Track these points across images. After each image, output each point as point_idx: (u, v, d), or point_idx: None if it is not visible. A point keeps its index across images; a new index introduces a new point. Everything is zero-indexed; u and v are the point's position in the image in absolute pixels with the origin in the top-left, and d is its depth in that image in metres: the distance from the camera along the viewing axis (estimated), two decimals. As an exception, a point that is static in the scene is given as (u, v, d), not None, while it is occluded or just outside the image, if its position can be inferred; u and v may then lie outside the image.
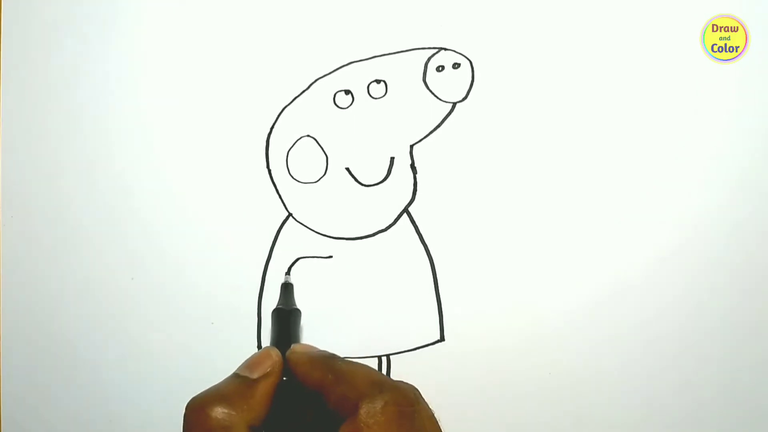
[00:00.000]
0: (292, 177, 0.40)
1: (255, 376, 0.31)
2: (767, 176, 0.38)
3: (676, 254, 0.38)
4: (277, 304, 0.37)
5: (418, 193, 0.40)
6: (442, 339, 0.39)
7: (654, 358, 0.38)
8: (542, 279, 0.39)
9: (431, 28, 0.40)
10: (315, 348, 0.34)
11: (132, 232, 0.41)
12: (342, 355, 0.39)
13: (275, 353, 0.32)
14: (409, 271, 0.39)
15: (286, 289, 0.38)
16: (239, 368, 0.32)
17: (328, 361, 0.31)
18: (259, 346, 0.40)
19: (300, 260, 0.40)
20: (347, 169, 0.40)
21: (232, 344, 0.40)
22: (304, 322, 0.39)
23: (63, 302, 0.41)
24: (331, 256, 0.40)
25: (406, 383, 0.30)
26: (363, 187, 0.40)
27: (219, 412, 0.29)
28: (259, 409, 0.30)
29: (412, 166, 0.40)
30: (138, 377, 0.40)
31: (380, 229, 0.40)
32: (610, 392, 0.38)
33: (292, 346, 0.33)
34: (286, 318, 0.37)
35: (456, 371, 0.39)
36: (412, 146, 0.40)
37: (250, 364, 0.32)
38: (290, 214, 0.40)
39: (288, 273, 0.40)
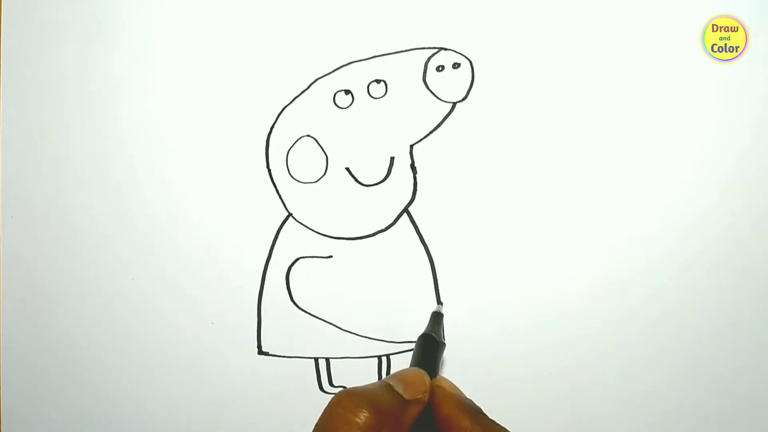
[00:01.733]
0: (292, 177, 0.40)
1: (408, 396, 0.30)
2: (767, 176, 0.38)
3: (675, 254, 0.38)
4: (427, 330, 0.36)
5: (418, 193, 0.40)
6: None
7: (654, 357, 0.38)
8: (542, 279, 0.39)
9: (431, 28, 0.40)
10: (460, 390, 0.33)
11: (132, 232, 0.41)
12: (341, 356, 0.39)
13: (429, 381, 0.31)
14: (409, 271, 0.39)
15: (438, 318, 0.37)
16: (393, 380, 0.31)
17: (477, 414, 0.30)
18: (259, 346, 0.40)
19: (300, 260, 0.40)
20: (347, 168, 0.40)
21: (232, 344, 0.40)
22: (307, 323, 0.39)
23: (63, 302, 0.41)
24: (331, 256, 0.40)
25: None
26: (363, 186, 0.40)
27: (368, 417, 0.28)
28: None
29: (412, 166, 0.40)
30: (138, 377, 0.40)
31: (380, 229, 0.40)
32: (609, 392, 0.38)
33: (439, 379, 0.32)
34: (434, 347, 0.35)
35: (456, 371, 0.38)
36: (412, 146, 0.40)
37: (405, 381, 0.31)
38: (290, 214, 0.40)
39: (441, 303, 0.39)
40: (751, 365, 0.38)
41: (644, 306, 0.38)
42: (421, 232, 0.40)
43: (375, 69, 0.40)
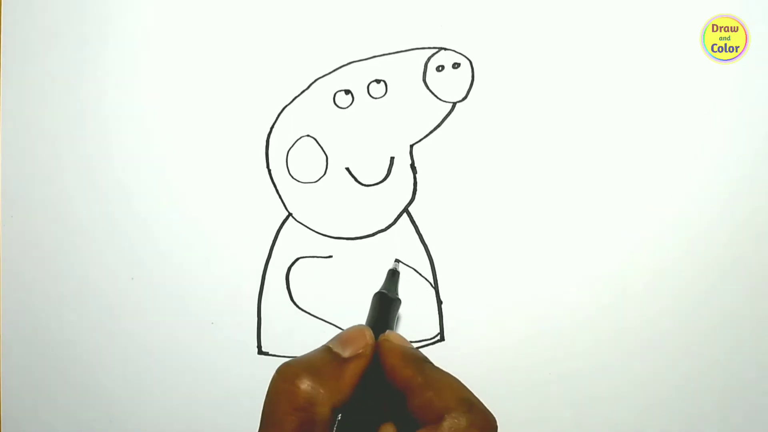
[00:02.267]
0: (292, 177, 0.40)
1: (347, 354, 0.30)
2: (767, 176, 0.38)
3: (675, 253, 0.38)
4: (382, 288, 0.36)
5: (418, 192, 0.40)
6: (442, 338, 0.39)
7: (654, 357, 0.38)
8: (542, 278, 0.39)
9: (431, 28, 0.40)
10: (409, 343, 0.32)
11: (132, 232, 0.41)
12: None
13: (369, 334, 0.31)
14: (409, 270, 0.39)
15: (393, 276, 0.37)
16: (331, 341, 0.31)
17: (420, 362, 0.30)
18: (259, 346, 0.40)
19: (300, 260, 0.40)
20: (347, 168, 0.40)
21: (232, 344, 0.40)
22: (307, 323, 0.39)
23: (63, 302, 0.41)
24: (331, 256, 0.40)
25: (492, 415, 0.29)
26: (363, 186, 0.40)
27: (308, 385, 0.28)
28: (346, 391, 0.29)
29: (412, 166, 0.40)
30: (138, 377, 0.40)
31: (380, 228, 0.40)
32: (610, 392, 0.38)
33: (387, 332, 0.32)
34: (387, 304, 0.35)
35: (456, 371, 0.38)
36: (412, 146, 0.40)
37: (344, 339, 0.31)
38: (290, 214, 0.40)
39: (398, 261, 0.39)
40: (754, 367, 0.38)
41: (645, 305, 0.38)
42: (421, 232, 0.40)
43: (375, 69, 0.40)
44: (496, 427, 0.29)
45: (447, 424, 0.27)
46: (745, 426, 0.38)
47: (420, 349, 0.39)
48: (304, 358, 0.30)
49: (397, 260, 0.39)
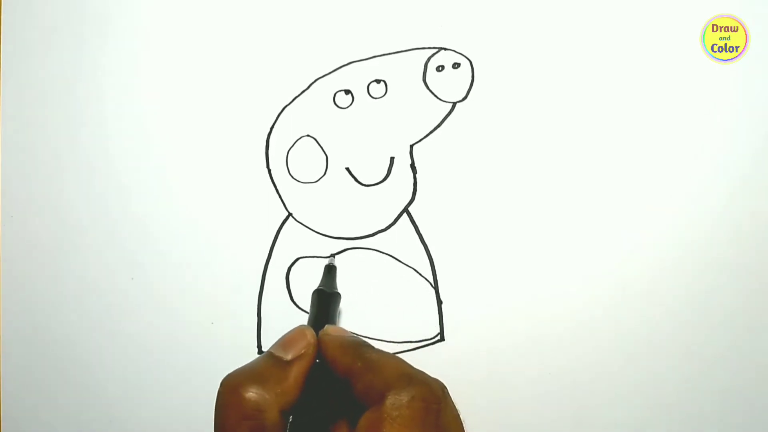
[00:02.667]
0: (292, 177, 0.40)
1: (289, 357, 0.30)
2: (767, 176, 0.38)
3: (675, 253, 0.38)
4: (320, 285, 0.36)
5: (418, 192, 0.40)
6: (442, 339, 0.39)
7: (654, 357, 0.38)
8: (543, 278, 0.39)
9: (431, 28, 0.40)
10: (348, 332, 0.33)
11: (132, 232, 0.41)
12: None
13: (310, 333, 0.31)
14: (409, 270, 0.39)
15: (330, 271, 0.38)
16: (273, 346, 0.31)
17: (358, 347, 0.31)
18: (259, 346, 0.40)
19: (300, 260, 0.40)
20: (347, 168, 0.40)
21: (232, 344, 0.40)
22: (305, 321, 0.39)
23: (63, 302, 0.41)
24: (331, 256, 0.40)
25: (436, 379, 0.30)
26: (363, 186, 0.40)
27: (253, 393, 0.28)
28: (292, 393, 0.29)
29: (412, 166, 0.40)
30: (138, 377, 0.40)
31: (380, 229, 0.40)
32: (610, 392, 0.38)
33: (325, 327, 0.33)
34: (326, 300, 0.36)
35: (456, 371, 0.39)
36: (412, 146, 0.40)
37: (285, 342, 0.31)
38: (290, 214, 0.40)
39: (333, 256, 0.39)
40: (754, 367, 0.38)
41: (645, 305, 0.38)
42: (421, 232, 0.40)
43: (375, 69, 0.40)
44: (440, 394, 0.29)
45: (389, 401, 0.27)
46: (745, 426, 0.38)
47: (420, 350, 0.39)
48: (246, 366, 0.30)
49: (332, 255, 0.39)
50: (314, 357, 0.31)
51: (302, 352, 0.31)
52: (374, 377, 0.29)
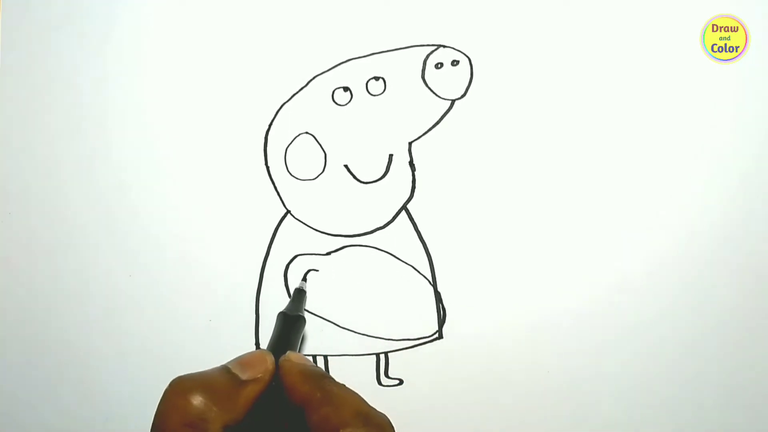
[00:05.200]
0: (291, 174, 0.40)
1: (245, 377, 0.30)
2: (767, 176, 0.38)
3: (675, 252, 0.38)
4: (285, 308, 0.36)
5: (416, 190, 0.40)
6: (440, 336, 0.39)
7: (653, 356, 0.38)
8: (541, 276, 0.39)
9: (430, 25, 0.40)
10: (309, 361, 0.33)
11: (130, 230, 0.41)
12: (339, 353, 0.40)
13: (270, 360, 0.31)
14: (407, 268, 0.39)
15: (298, 294, 0.37)
16: (231, 363, 0.31)
17: (319, 378, 0.31)
18: (257, 344, 0.40)
19: (298, 257, 0.40)
20: (346, 166, 0.40)
21: (230, 342, 0.40)
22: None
23: (60, 299, 0.41)
24: (329, 254, 0.40)
25: (389, 422, 0.29)
26: (361, 184, 0.40)
27: (200, 401, 0.28)
28: (239, 412, 0.29)
29: (411, 164, 0.40)
30: (135, 375, 0.40)
31: (379, 226, 0.40)
32: (608, 391, 0.38)
33: (287, 353, 0.32)
34: (290, 324, 0.35)
35: (454, 369, 0.39)
36: (410, 143, 0.40)
37: (244, 362, 0.31)
38: (288, 211, 0.40)
39: (304, 279, 0.39)
40: (754, 367, 0.38)
41: (644, 304, 0.38)
42: (420, 229, 0.40)
43: (374, 66, 0.40)
44: None
45: None
46: (745, 426, 0.38)
47: (418, 348, 0.39)
48: (199, 374, 0.30)
49: (304, 278, 0.39)
50: (269, 383, 0.31)
51: (258, 376, 0.30)
52: (331, 410, 0.29)
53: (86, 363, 0.41)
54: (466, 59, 0.39)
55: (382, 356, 0.39)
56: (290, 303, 0.37)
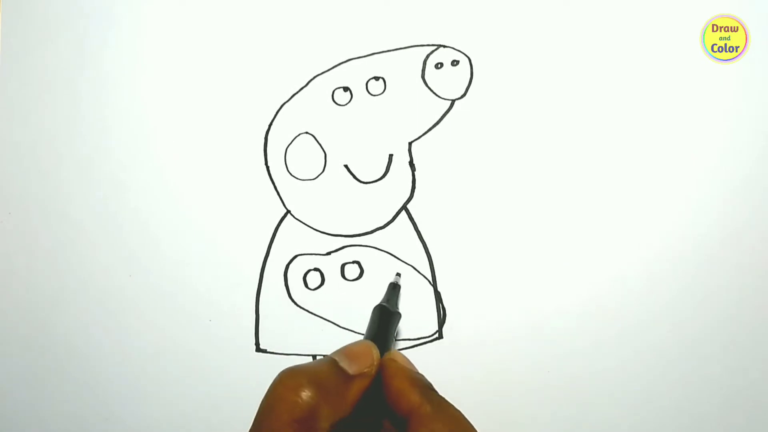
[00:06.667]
0: (291, 174, 0.40)
1: (353, 371, 0.29)
2: (767, 176, 0.38)
3: (675, 252, 0.38)
4: (382, 301, 0.36)
5: (416, 190, 0.40)
6: (440, 336, 0.39)
7: (653, 356, 0.38)
8: (541, 276, 0.39)
9: (430, 25, 0.40)
10: (413, 365, 0.32)
11: (130, 229, 0.41)
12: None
13: (376, 354, 0.30)
14: (407, 268, 0.39)
15: (394, 289, 0.37)
16: (338, 354, 0.30)
17: (427, 389, 0.29)
18: (257, 344, 0.40)
19: (298, 257, 0.40)
20: (346, 166, 0.40)
21: (230, 342, 0.40)
22: (305, 320, 0.39)
23: (60, 299, 0.41)
24: (329, 254, 0.40)
25: None
26: (361, 184, 0.40)
27: (310, 397, 0.27)
28: (346, 410, 0.28)
29: (411, 163, 0.40)
30: (135, 374, 0.40)
31: (379, 226, 0.40)
32: (608, 391, 0.38)
33: (392, 352, 0.31)
34: (387, 318, 0.35)
35: (454, 369, 0.39)
36: (410, 143, 0.40)
37: (350, 354, 0.30)
38: (288, 211, 0.40)
39: (398, 275, 0.39)
40: (754, 367, 0.38)
41: (644, 304, 0.38)
42: (420, 229, 0.40)
43: (374, 66, 0.40)
44: None
45: None
46: (745, 426, 0.38)
47: (418, 347, 0.39)
48: (309, 368, 0.29)
49: (398, 274, 0.39)
50: (374, 377, 0.30)
51: (366, 370, 0.29)
52: (442, 428, 0.27)
53: (86, 363, 0.41)
54: (466, 59, 0.40)
55: (382, 356, 0.39)
56: (388, 296, 0.36)
